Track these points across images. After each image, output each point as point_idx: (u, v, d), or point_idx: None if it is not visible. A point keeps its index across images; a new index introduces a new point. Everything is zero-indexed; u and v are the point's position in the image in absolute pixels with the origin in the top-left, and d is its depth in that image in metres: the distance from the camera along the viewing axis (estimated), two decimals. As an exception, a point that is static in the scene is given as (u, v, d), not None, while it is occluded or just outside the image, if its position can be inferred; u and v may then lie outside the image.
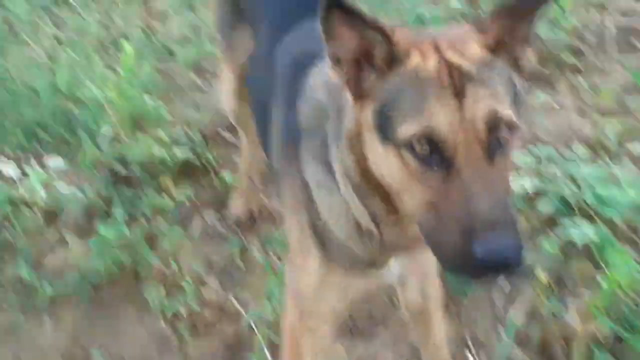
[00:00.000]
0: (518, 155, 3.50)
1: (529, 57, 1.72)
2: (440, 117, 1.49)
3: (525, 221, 3.20)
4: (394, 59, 1.58)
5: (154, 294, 3.17)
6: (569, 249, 3.16)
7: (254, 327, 3.00)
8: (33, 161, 3.73)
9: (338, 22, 1.56)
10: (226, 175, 3.77)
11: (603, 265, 3.01)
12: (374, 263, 2.02)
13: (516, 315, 2.95)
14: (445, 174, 1.51)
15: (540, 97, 4.09)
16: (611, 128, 3.79)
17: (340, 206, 1.92)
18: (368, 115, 1.63)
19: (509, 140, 1.55)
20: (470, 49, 1.58)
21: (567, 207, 3.28)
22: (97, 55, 4.66)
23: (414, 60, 1.57)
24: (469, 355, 2.93)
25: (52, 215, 3.68)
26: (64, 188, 3.65)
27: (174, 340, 3.05)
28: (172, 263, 3.33)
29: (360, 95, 1.65)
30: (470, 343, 2.97)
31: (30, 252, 3.45)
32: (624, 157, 3.58)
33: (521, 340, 2.93)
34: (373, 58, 1.61)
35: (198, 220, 3.60)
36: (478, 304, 3.11)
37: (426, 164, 1.52)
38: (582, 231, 3.05)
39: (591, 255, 3.12)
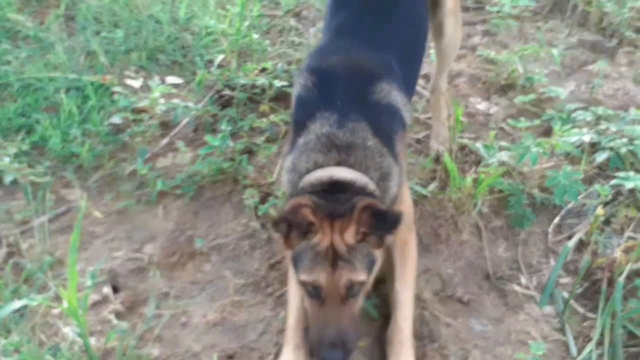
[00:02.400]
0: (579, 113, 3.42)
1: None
2: (321, 277, 2.24)
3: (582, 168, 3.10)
4: (308, 232, 2.25)
5: (249, 196, 3.15)
6: (618, 196, 3.06)
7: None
8: (155, 78, 3.73)
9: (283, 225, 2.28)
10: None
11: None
12: None
13: (569, 246, 2.84)
14: (320, 303, 2.29)
15: (602, 66, 3.89)
16: (664, 97, 3.61)
17: None
18: (289, 256, 2.39)
19: (360, 289, 2.31)
20: (348, 236, 2.23)
21: (619, 160, 3.15)
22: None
23: (317, 238, 2.24)
24: (522, 277, 2.87)
25: (166, 126, 3.71)
26: (179, 103, 3.64)
27: (263, 236, 3.05)
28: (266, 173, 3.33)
29: (288, 245, 2.33)
30: (523, 268, 2.91)
31: (147, 151, 3.47)
32: (674, 124, 3.39)
33: (569, 269, 2.86)
34: (299, 229, 2.26)
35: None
36: (534, 235, 3.03)
37: (311, 295, 2.30)
38: (631, 180, 2.91)
39: (637, 202, 3.01)
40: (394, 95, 2.59)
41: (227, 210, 3.20)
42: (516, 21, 4.31)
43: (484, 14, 4.46)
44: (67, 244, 2.94)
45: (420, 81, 3.81)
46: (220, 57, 3.97)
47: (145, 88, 3.65)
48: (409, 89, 2.78)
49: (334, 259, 2.24)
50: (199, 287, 2.88)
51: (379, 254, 2.36)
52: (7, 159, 3.31)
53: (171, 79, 3.73)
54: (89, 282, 2.56)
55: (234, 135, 3.50)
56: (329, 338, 2.25)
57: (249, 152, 3.44)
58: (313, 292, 2.29)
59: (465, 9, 4.53)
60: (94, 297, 2.77)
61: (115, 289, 2.87)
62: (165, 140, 3.60)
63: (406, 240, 2.66)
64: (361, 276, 2.26)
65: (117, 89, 3.71)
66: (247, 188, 3.20)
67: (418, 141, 3.56)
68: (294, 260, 2.33)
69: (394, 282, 2.62)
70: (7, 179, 3.27)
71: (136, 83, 3.66)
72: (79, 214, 2.53)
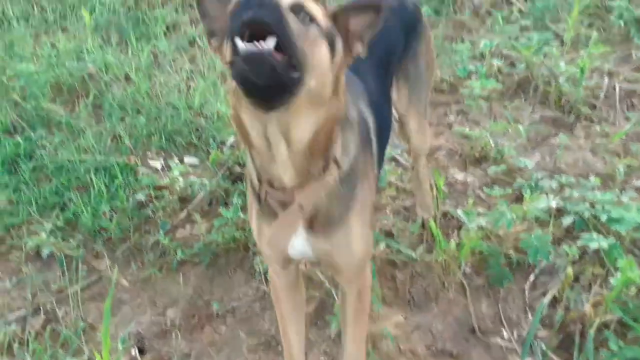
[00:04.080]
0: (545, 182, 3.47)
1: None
2: None
3: (551, 231, 3.12)
4: None
5: (259, 262, 3.16)
6: (584, 255, 3.08)
7: (334, 295, 2.97)
8: (174, 158, 3.77)
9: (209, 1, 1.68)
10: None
11: (612, 269, 2.92)
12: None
13: (544, 302, 2.85)
14: None
15: (562, 139, 3.97)
16: (619, 165, 3.67)
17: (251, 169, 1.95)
18: (227, 53, 1.56)
19: (310, 17, 1.56)
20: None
21: (584, 223, 3.19)
22: (222, 85, 4.71)
23: None
24: (504, 331, 2.85)
25: (184, 200, 3.72)
26: (195, 180, 3.68)
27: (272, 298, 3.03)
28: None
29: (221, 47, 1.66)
30: (504, 322, 2.90)
31: (167, 224, 3.48)
32: (629, 189, 3.45)
33: (545, 323, 2.85)
34: None
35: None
36: (512, 292, 3.03)
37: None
38: (595, 241, 2.95)
39: (602, 261, 3.03)
40: None
41: (239, 275, 3.19)
42: (486, 101, 4.41)
43: (458, 95, 4.56)
44: (98, 310, 2.98)
45: (406, 154, 3.87)
46: (231, 139, 4.03)
47: (166, 167, 3.68)
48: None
49: None
50: (216, 348, 2.84)
51: (339, 43, 1.70)
52: (43, 235, 3.34)
53: (188, 159, 3.78)
54: (120, 347, 2.54)
55: (244, 207, 3.50)
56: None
57: (258, 222, 3.45)
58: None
59: (441, 92, 4.64)
60: (123, 359, 2.75)
61: (142, 351, 2.84)
62: (183, 214, 3.61)
63: (363, 286, 2.18)
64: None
65: (140, 169, 3.76)
66: (257, 255, 3.20)
67: (406, 208, 3.58)
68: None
69: (344, 335, 2.30)
70: (45, 252, 3.28)
71: (157, 163, 3.71)
72: (111, 283, 2.53)
